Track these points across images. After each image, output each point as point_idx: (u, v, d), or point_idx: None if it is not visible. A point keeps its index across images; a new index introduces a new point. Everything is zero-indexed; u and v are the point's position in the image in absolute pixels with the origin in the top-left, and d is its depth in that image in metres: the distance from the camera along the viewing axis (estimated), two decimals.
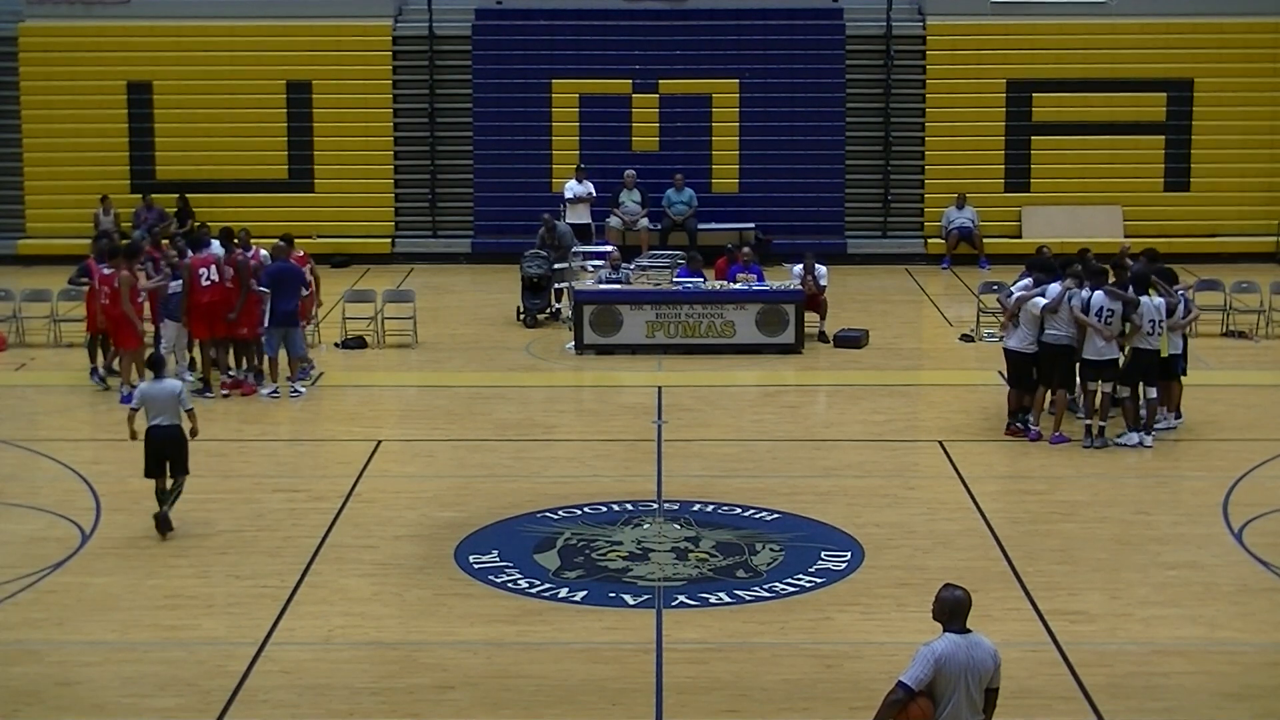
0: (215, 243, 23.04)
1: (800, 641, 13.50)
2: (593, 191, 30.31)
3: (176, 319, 21.52)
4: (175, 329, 21.66)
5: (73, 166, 32.13)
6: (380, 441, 19.54)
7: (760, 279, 25.05)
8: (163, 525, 15.86)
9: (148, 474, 15.97)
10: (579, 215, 30.04)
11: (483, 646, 13.38)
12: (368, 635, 13.64)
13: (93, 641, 13.49)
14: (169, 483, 16.00)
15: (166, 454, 15.92)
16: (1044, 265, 20.27)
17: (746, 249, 26.36)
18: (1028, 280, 19.73)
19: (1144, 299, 18.93)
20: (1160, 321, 18.93)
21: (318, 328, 24.61)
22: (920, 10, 32.99)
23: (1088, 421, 19.27)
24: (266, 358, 21.71)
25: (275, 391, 21.55)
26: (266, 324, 21.57)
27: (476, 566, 15.19)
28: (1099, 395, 19.14)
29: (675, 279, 24.71)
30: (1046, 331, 19.13)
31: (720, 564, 15.26)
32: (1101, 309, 18.86)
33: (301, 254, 23.65)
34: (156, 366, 16.27)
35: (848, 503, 17.09)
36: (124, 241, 25.89)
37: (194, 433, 16.09)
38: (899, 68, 32.57)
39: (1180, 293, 19.87)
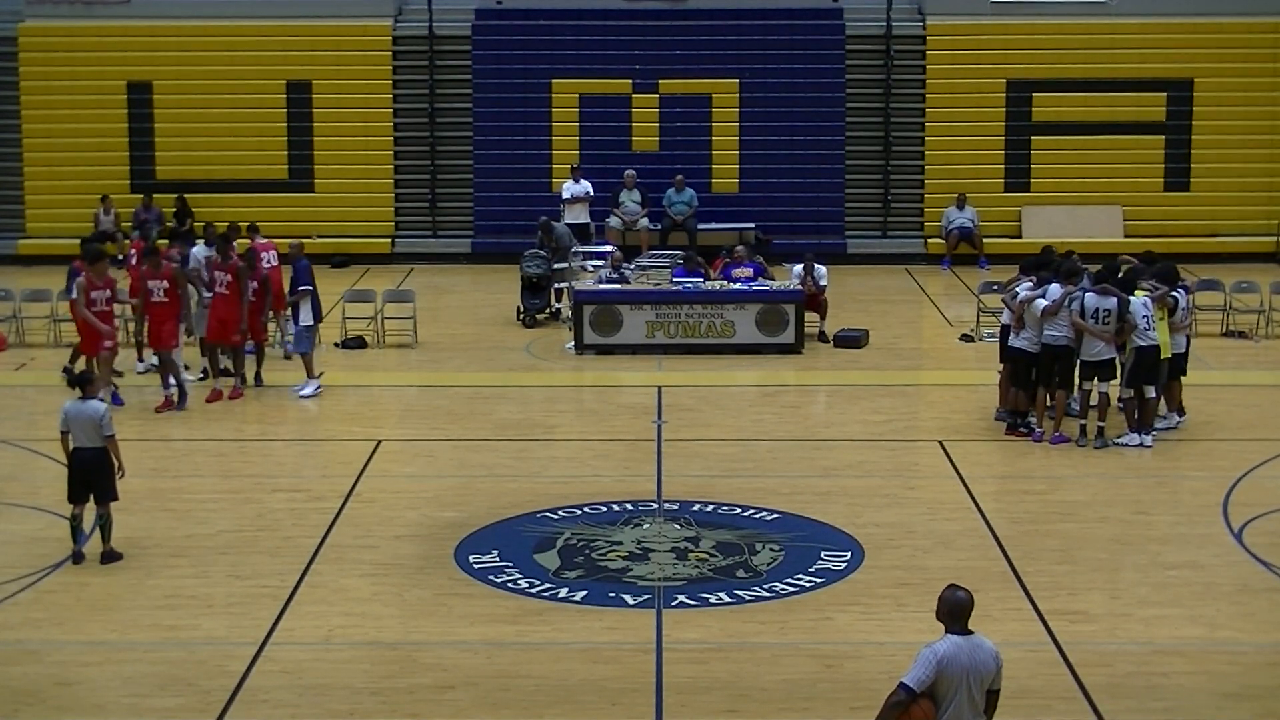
0: (199, 246, 23.32)
1: (800, 641, 13.50)
2: (590, 191, 30.30)
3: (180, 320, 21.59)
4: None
5: (73, 166, 32.14)
6: (380, 441, 19.54)
7: (759, 271, 25.08)
8: (108, 559, 15.21)
9: (70, 498, 15.24)
10: (576, 215, 30.04)
11: (483, 646, 13.38)
12: (368, 635, 13.64)
13: (93, 641, 13.50)
14: (92, 512, 15.21)
15: (88, 479, 15.12)
16: (1041, 263, 20.29)
17: (740, 248, 26.36)
18: (1030, 281, 19.73)
19: (1132, 298, 18.97)
20: (1150, 318, 18.96)
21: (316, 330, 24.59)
22: (920, 10, 32.99)
23: (1083, 421, 19.30)
24: (299, 355, 22.03)
25: (318, 388, 21.82)
26: (312, 320, 22.02)
27: (476, 566, 15.19)
28: (1094, 395, 19.17)
29: (673, 279, 24.72)
30: (1046, 332, 19.14)
31: (720, 564, 15.26)
32: (1097, 310, 18.88)
33: (265, 241, 23.69)
34: (82, 385, 15.29)
35: (848, 503, 17.10)
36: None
37: (120, 470, 15.21)
38: (899, 68, 32.57)
39: (1181, 288, 19.85)
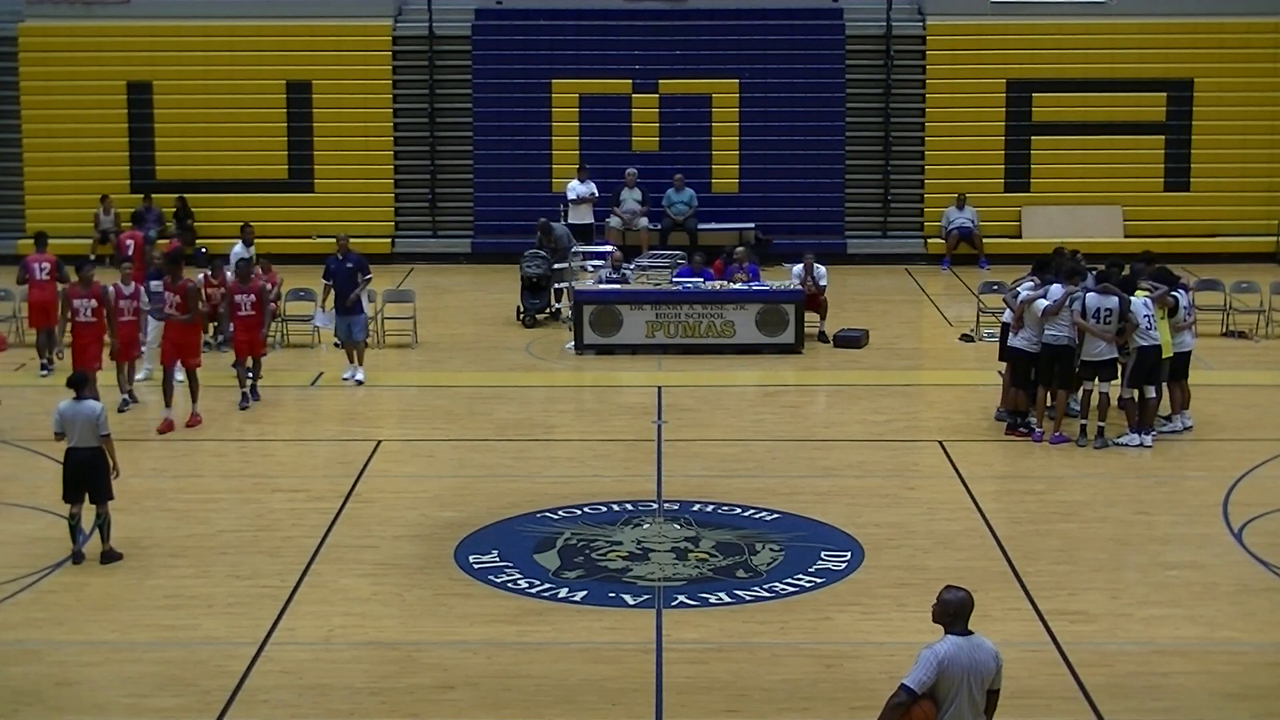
0: (238, 246, 24.35)
1: (800, 641, 13.50)
2: (595, 191, 30.29)
3: (160, 318, 21.29)
4: (157, 328, 21.52)
5: (73, 166, 32.13)
6: (380, 441, 19.54)
7: (755, 276, 25.09)
8: (108, 559, 15.20)
9: (65, 498, 15.26)
10: (582, 215, 30.04)
11: (483, 646, 13.38)
12: (368, 635, 13.64)
13: (93, 641, 13.50)
14: (91, 512, 15.20)
15: (83, 479, 15.14)
16: (1045, 264, 20.32)
17: (739, 249, 26.38)
18: (1032, 281, 19.74)
19: (1133, 298, 19.00)
20: (1151, 317, 18.99)
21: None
22: (920, 10, 32.99)
23: (1083, 421, 19.31)
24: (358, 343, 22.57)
25: (358, 376, 22.34)
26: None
27: (476, 566, 15.19)
28: (1095, 395, 19.17)
29: (674, 279, 24.73)
30: (1047, 332, 19.15)
31: (720, 564, 15.27)
32: (1099, 309, 18.89)
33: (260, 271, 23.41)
34: (77, 386, 15.28)
35: (848, 503, 17.10)
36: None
37: (115, 469, 15.25)
38: (899, 68, 32.57)
39: (1180, 288, 19.86)
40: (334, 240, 24.00)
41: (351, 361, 22.66)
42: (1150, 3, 32.33)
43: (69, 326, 20.86)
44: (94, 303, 20.39)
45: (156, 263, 22.62)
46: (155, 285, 21.55)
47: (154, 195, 31.64)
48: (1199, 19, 32.23)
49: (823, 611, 14.13)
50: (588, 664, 13.01)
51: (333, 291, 22.95)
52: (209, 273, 23.53)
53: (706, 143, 32.20)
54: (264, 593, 14.49)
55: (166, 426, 19.86)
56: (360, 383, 22.34)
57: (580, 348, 24.20)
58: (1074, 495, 17.53)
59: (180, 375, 20.30)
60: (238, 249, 24.43)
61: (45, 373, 22.34)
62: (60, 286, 21.67)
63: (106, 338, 20.86)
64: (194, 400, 20.39)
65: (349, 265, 22.72)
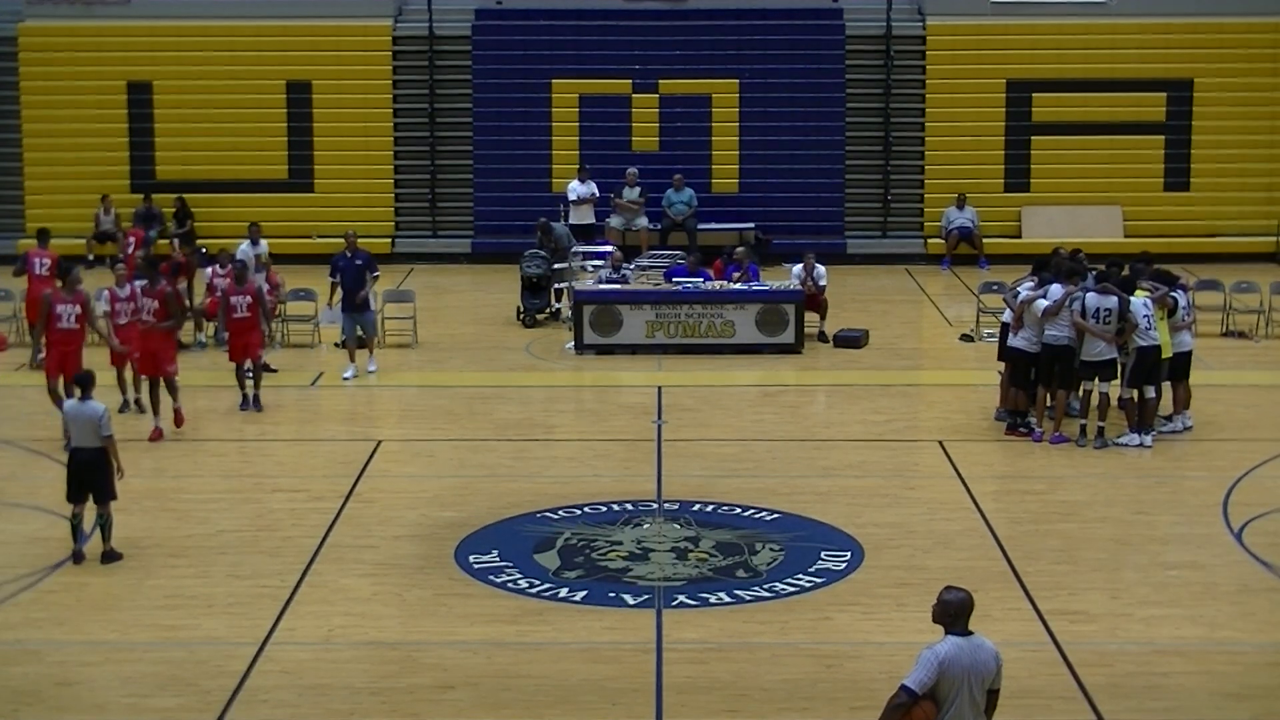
0: (245, 244, 24.49)
1: (800, 641, 13.51)
2: (595, 192, 30.28)
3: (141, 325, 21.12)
4: None
5: (73, 166, 32.12)
6: (380, 441, 19.54)
7: (754, 276, 25.08)
8: (108, 559, 15.20)
9: (68, 498, 15.26)
10: (583, 216, 30.01)
11: (483, 646, 13.38)
12: (368, 635, 13.65)
13: (93, 641, 13.50)
14: (93, 512, 15.21)
15: (85, 479, 15.15)
16: (1045, 264, 20.33)
17: (740, 249, 26.39)
18: (1032, 281, 19.75)
19: (1133, 299, 19.00)
20: (1151, 317, 19.00)
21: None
22: (920, 10, 32.98)
23: (1083, 421, 19.31)
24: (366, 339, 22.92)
25: (360, 372, 22.59)
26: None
27: (476, 566, 15.19)
28: (1095, 395, 19.18)
29: (673, 279, 24.72)
30: (1047, 332, 19.15)
31: (720, 564, 15.27)
32: (1098, 309, 18.89)
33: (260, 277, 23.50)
34: (84, 386, 15.34)
35: (848, 503, 17.10)
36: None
37: (119, 471, 15.27)
38: (899, 68, 32.57)
39: (1180, 288, 19.87)
40: (342, 239, 24.02)
41: (352, 361, 22.69)
42: (1150, 3, 32.32)
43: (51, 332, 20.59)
44: (78, 309, 19.75)
45: (138, 265, 22.56)
46: (137, 285, 21.40)
47: (154, 195, 31.64)
48: (1199, 19, 32.23)
49: (823, 611, 14.13)
50: (588, 664, 13.01)
51: (339, 289, 23.01)
52: (218, 265, 23.57)
53: (706, 143, 32.19)
54: (264, 593, 14.50)
55: (157, 435, 19.64)
56: (372, 372, 22.64)
57: (580, 348, 24.20)
58: (1074, 495, 17.54)
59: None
60: (244, 247, 24.44)
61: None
62: (45, 291, 21.25)
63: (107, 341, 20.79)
64: (175, 399, 20.00)
65: (358, 262, 22.82)
